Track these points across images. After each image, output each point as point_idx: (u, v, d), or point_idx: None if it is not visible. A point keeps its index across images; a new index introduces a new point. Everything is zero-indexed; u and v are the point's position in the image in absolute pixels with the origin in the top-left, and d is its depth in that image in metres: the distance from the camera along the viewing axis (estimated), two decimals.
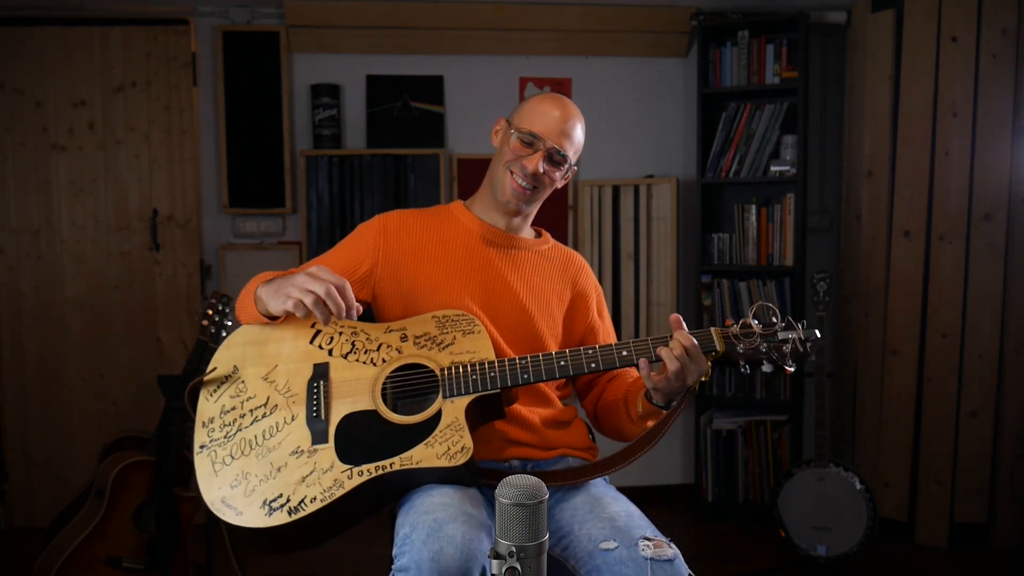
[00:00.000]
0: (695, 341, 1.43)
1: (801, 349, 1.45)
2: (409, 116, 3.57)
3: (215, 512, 1.39)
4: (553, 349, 1.63)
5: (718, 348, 1.45)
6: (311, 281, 1.38)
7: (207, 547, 2.60)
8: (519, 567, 0.98)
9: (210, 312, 2.60)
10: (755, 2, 3.50)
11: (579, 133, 1.65)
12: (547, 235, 1.79)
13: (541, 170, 1.60)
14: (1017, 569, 3.07)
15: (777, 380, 3.56)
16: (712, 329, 1.47)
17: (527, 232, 1.74)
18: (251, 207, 3.50)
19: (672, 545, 1.34)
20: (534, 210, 1.71)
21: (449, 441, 1.38)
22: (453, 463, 1.36)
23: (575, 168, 1.69)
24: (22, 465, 3.43)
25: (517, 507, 0.98)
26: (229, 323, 2.62)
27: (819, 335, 1.47)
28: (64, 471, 3.42)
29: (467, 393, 1.42)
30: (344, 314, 1.39)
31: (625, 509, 1.43)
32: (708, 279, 3.58)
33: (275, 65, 3.46)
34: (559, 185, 1.69)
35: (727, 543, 3.34)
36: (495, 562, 0.99)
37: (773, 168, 3.42)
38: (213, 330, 2.59)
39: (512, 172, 1.61)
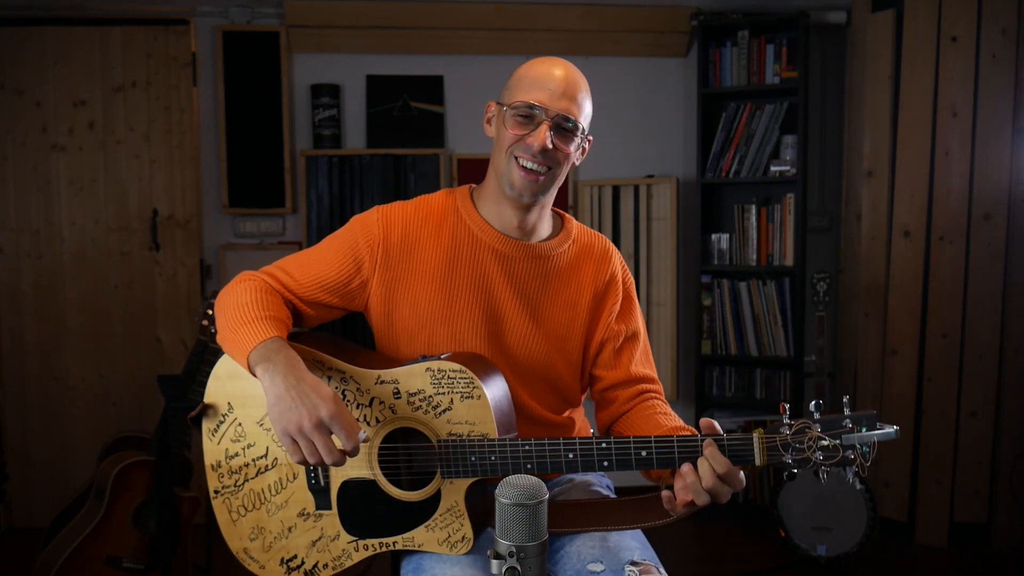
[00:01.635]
0: (730, 464, 1.19)
1: (867, 461, 1.16)
2: (409, 116, 3.57)
3: (240, 561, 1.45)
4: (568, 376, 1.49)
5: (758, 462, 1.21)
6: (319, 438, 1.20)
7: (207, 547, 2.60)
8: (519, 567, 0.98)
9: (210, 312, 2.59)
10: (755, 2, 3.50)
11: (587, 97, 1.40)
12: (569, 223, 1.53)
13: (550, 145, 1.34)
14: (1017, 569, 3.06)
15: (777, 380, 3.56)
16: (755, 434, 1.20)
17: (544, 228, 1.48)
18: (251, 207, 3.50)
19: (661, 570, 1.28)
20: (551, 198, 1.45)
21: (450, 528, 1.33)
22: (454, 552, 1.32)
23: (591, 139, 1.44)
24: (22, 465, 3.43)
25: (517, 507, 0.98)
26: None
27: (895, 432, 1.16)
28: (64, 471, 3.41)
29: (466, 476, 1.31)
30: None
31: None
32: (708, 279, 3.57)
33: (275, 65, 3.46)
34: (576, 160, 1.44)
35: (727, 543, 3.33)
36: (495, 562, 0.99)
37: (773, 168, 3.42)
38: (213, 330, 2.59)
39: (517, 157, 1.36)
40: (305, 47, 3.51)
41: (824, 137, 3.70)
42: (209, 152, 3.52)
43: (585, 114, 1.40)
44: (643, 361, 1.55)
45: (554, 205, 1.53)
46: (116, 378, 3.47)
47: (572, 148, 1.38)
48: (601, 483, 1.57)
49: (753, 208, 3.51)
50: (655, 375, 1.56)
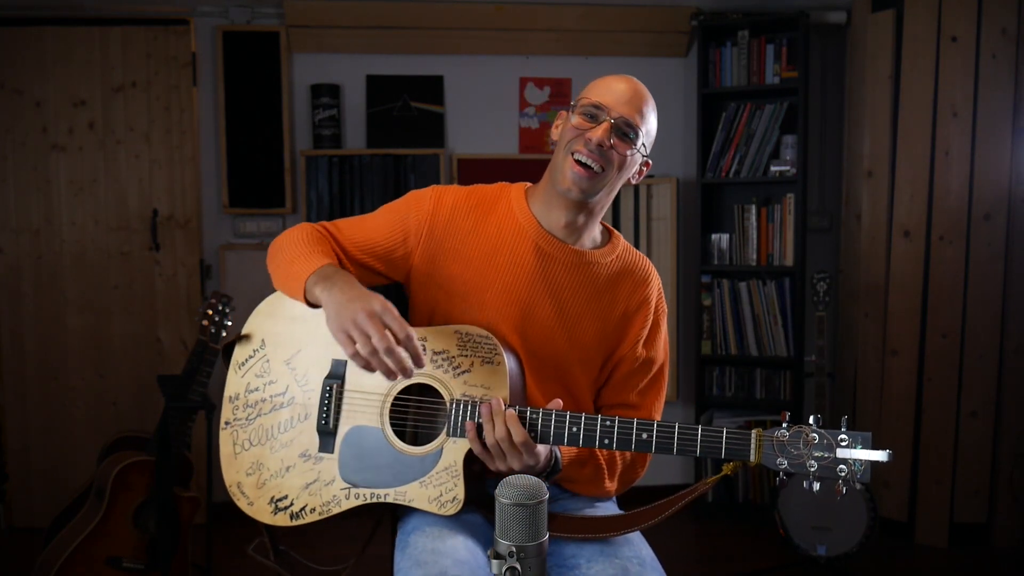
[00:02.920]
0: (512, 434, 1.27)
1: (858, 477, 1.20)
2: (409, 116, 3.57)
3: (231, 495, 1.46)
4: (584, 384, 1.52)
5: (752, 459, 1.24)
6: (372, 326, 1.25)
7: (207, 547, 2.60)
8: (519, 567, 0.98)
9: (210, 312, 2.60)
10: (755, 2, 3.50)
11: (651, 113, 1.44)
12: (617, 239, 1.54)
13: (609, 143, 1.38)
14: (1017, 569, 3.07)
15: (777, 380, 3.56)
16: (754, 432, 1.24)
17: (590, 237, 1.50)
18: (251, 207, 3.50)
19: None
20: (601, 205, 1.47)
21: (443, 487, 1.35)
22: (442, 512, 1.35)
23: (650, 161, 1.48)
24: (22, 465, 3.43)
25: (517, 507, 0.98)
26: (229, 323, 2.62)
27: (887, 455, 1.19)
28: (64, 471, 3.42)
29: None
30: (407, 375, 1.28)
31: (637, 555, 1.36)
32: (708, 279, 3.58)
33: (275, 65, 3.46)
34: (634, 178, 1.48)
35: (727, 543, 3.33)
36: (495, 562, 0.99)
37: (773, 168, 3.43)
38: (213, 330, 2.59)
39: (573, 153, 1.39)
40: (305, 47, 3.51)
41: (824, 137, 3.70)
42: (209, 152, 3.52)
43: (646, 129, 1.44)
44: (647, 391, 1.55)
45: None
46: (116, 378, 3.47)
47: (628, 153, 1.41)
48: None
49: (753, 208, 3.51)
50: (654, 409, 1.55)
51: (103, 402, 3.46)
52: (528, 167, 3.53)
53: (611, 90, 1.42)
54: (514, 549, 0.98)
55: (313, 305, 1.38)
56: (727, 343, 3.55)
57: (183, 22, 3.41)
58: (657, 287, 1.55)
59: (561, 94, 3.63)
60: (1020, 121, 3.13)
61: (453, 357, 1.38)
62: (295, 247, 1.43)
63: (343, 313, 1.28)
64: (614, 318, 1.49)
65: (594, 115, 1.40)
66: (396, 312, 1.29)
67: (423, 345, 1.38)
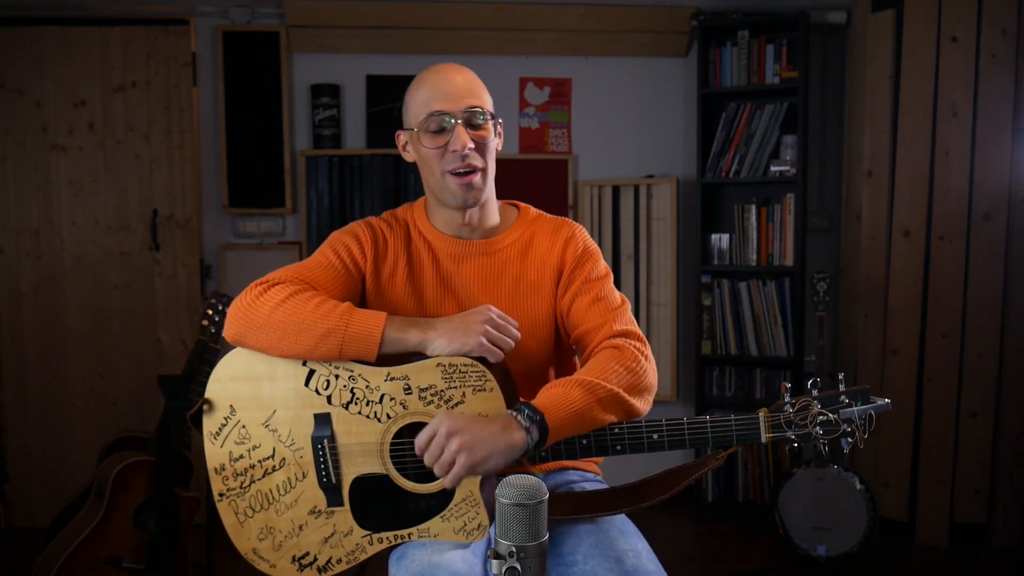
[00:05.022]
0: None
1: (865, 434, 1.26)
2: None
3: (249, 562, 1.44)
4: (543, 360, 1.53)
5: (763, 440, 1.29)
6: (500, 323, 1.35)
7: (207, 547, 2.60)
8: (519, 567, 0.98)
9: (210, 312, 2.60)
10: (755, 2, 3.50)
11: (479, 85, 1.49)
12: (527, 211, 1.58)
13: (472, 144, 1.41)
14: (1017, 569, 3.06)
15: (777, 380, 3.56)
16: (761, 413, 1.29)
17: (492, 222, 1.54)
18: (251, 207, 3.50)
19: None
20: (491, 191, 1.51)
21: (465, 516, 1.35)
22: (470, 539, 1.35)
23: (501, 121, 1.52)
24: (22, 465, 3.43)
25: (517, 507, 0.98)
26: None
27: (887, 404, 1.27)
28: (64, 471, 3.42)
29: None
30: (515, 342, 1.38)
31: (633, 547, 1.35)
32: (708, 279, 3.57)
33: (275, 65, 3.46)
34: (498, 145, 1.52)
35: (727, 543, 3.33)
36: (495, 562, 0.99)
37: (773, 168, 3.42)
38: (213, 330, 2.59)
39: (448, 173, 1.43)
40: (305, 47, 3.51)
41: (824, 137, 3.70)
42: (209, 152, 3.52)
43: (488, 101, 1.48)
44: (616, 316, 1.48)
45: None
46: (116, 378, 3.47)
47: (491, 137, 1.46)
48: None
49: (753, 208, 3.51)
50: (628, 327, 1.47)
51: (103, 402, 3.46)
52: (528, 167, 3.53)
53: (442, 92, 1.43)
54: (514, 549, 0.98)
55: (383, 354, 1.35)
56: (727, 343, 3.55)
57: (183, 22, 3.41)
58: (579, 229, 1.54)
59: (561, 94, 3.63)
60: (1020, 121, 3.13)
61: (442, 391, 1.35)
62: (306, 313, 1.35)
63: (472, 326, 1.34)
64: (549, 274, 1.51)
65: (442, 126, 1.42)
66: (496, 310, 1.37)
67: (406, 384, 1.36)
